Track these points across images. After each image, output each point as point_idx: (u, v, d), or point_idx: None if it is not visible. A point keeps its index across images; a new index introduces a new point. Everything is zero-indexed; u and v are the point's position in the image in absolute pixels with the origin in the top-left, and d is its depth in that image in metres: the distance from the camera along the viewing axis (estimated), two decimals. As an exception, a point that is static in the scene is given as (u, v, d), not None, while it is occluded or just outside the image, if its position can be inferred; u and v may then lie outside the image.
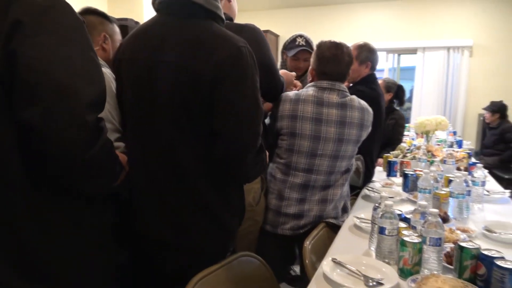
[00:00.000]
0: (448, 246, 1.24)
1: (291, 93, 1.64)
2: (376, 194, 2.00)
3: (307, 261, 1.35)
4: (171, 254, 1.16)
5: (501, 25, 5.39)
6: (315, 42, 2.04)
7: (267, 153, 1.31)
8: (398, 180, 2.36)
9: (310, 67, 1.70)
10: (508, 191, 2.08)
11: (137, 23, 3.49)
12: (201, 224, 1.12)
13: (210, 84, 1.01)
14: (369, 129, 1.73)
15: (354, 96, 1.67)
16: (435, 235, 1.13)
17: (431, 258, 1.13)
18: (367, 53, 2.25)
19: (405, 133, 4.10)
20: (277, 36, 6.33)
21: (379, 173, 2.61)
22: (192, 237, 1.13)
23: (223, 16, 1.13)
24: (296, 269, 2.68)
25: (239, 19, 1.54)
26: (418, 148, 2.98)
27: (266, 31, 5.98)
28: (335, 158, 1.62)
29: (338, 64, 1.61)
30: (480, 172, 1.90)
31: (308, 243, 1.41)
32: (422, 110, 5.65)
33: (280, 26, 6.26)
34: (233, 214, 1.19)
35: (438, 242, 1.13)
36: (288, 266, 2.36)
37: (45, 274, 0.86)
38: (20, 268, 0.82)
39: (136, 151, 1.15)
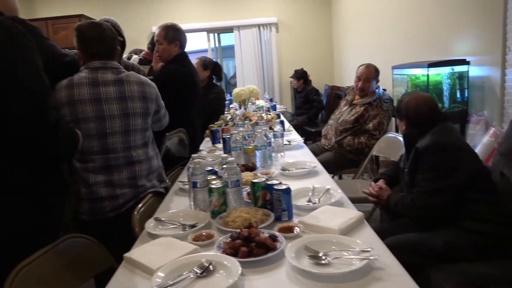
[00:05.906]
0: (249, 187, 1.54)
1: (64, 81, 1.58)
2: (201, 160, 2.23)
3: (136, 229, 1.47)
4: None
5: (298, 5, 6.34)
6: (131, 26, 2.08)
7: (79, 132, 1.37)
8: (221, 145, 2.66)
9: (78, 52, 1.66)
10: (302, 138, 2.59)
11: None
12: (15, 205, 1.14)
13: None
14: (159, 102, 1.80)
15: (131, 72, 1.71)
16: (234, 178, 1.39)
17: (234, 197, 1.40)
18: (173, 32, 2.36)
19: (231, 105, 4.54)
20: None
21: (207, 142, 2.88)
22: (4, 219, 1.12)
23: None
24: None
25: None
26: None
27: (81, 16, 5.57)
28: (127, 133, 1.63)
29: (103, 42, 1.62)
30: (279, 126, 2.32)
31: (136, 213, 1.51)
32: (245, 83, 6.26)
33: (96, 10, 5.90)
34: (53, 192, 1.23)
35: (237, 184, 1.40)
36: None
37: None
38: None
39: None
